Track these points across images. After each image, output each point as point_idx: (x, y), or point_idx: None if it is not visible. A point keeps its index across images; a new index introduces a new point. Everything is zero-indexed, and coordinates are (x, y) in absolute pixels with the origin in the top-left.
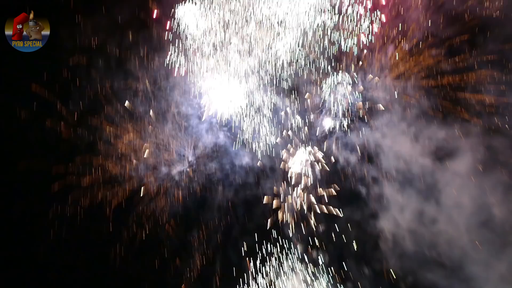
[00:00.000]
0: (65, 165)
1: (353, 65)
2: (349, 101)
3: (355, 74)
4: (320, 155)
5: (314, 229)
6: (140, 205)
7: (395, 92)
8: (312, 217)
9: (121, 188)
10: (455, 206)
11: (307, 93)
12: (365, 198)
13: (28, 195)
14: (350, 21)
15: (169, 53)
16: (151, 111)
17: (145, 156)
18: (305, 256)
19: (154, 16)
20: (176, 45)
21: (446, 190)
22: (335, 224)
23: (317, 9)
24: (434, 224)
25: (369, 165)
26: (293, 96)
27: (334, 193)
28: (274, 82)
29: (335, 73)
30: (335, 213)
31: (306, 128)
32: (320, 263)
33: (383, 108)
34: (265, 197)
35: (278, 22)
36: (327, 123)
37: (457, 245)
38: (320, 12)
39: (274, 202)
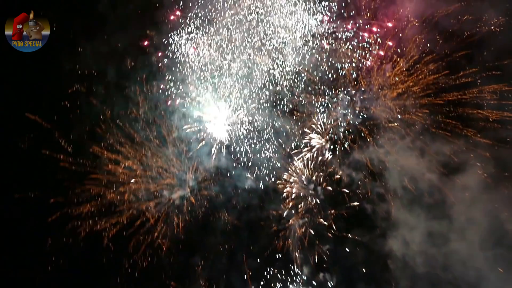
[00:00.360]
0: (64, 193)
1: (353, 86)
2: (350, 121)
3: (355, 93)
4: (323, 175)
5: (321, 251)
6: (141, 232)
7: (397, 110)
8: (318, 239)
9: (121, 216)
10: (467, 223)
11: (297, 112)
12: (372, 218)
13: (26, 224)
14: (350, 43)
15: (167, 78)
16: (150, 135)
17: (132, 181)
18: (312, 280)
19: (146, 43)
20: (175, 70)
21: (456, 207)
22: (343, 246)
23: (316, 34)
24: (446, 243)
25: (374, 183)
26: (294, 117)
27: (340, 214)
28: (274, 105)
29: (335, 93)
30: (343, 236)
31: (307, 149)
32: (329, 286)
33: (396, 124)
34: (269, 219)
35: (275, 48)
36: (329, 142)
37: (472, 265)
38: (320, 37)
39: (278, 224)
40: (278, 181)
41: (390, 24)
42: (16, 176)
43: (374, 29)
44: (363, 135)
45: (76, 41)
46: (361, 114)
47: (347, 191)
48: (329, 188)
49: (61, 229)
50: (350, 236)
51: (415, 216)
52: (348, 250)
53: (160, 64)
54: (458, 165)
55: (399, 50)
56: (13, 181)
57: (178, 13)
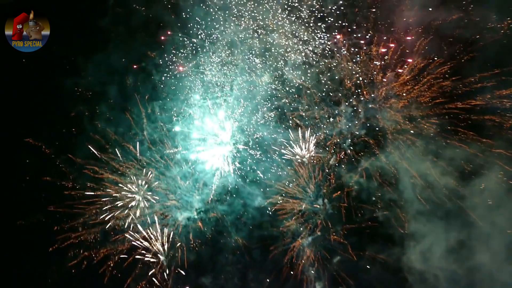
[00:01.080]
0: (66, 220)
1: (358, 97)
2: (356, 132)
3: (360, 104)
4: (331, 189)
5: (334, 268)
6: (146, 256)
7: (405, 120)
8: (329, 256)
9: (125, 242)
10: (491, 234)
11: (302, 127)
12: (386, 231)
13: (28, 252)
14: (353, 56)
15: (169, 98)
16: (155, 157)
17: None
18: None
19: (142, 65)
20: (177, 90)
21: (476, 218)
22: (357, 261)
23: (317, 49)
24: (469, 255)
25: (386, 195)
26: (299, 133)
27: (352, 228)
28: (278, 121)
29: (340, 105)
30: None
31: (316, 162)
32: None
33: (403, 135)
34: (278, 238)
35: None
36: (335, 155)
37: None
38: (322, 51)
39: (289, 243)
40: (285, 198)
41: (392, 34)
42: (18, 202)
43: (376, 40)
44: (371, 146)
45: (77, 61)
46: (367, 124)
47: (358, 204)
48: (338, 203)
49: (64, 257)
50: (364, 252)
51: (433, 227)
52: (363, 265)
53: (161, 85)
54: (474, 173)
55: (406, 62)
56: (15, 207)
57: (169, 32)
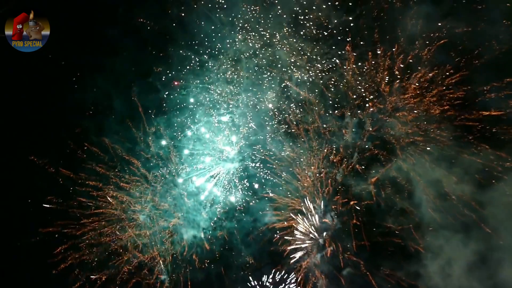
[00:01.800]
0: (69, 240)
1: (366, 109)
2: (365, 145)
3: (368, 116)
4: (340, 204)
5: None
6: (152, 276)
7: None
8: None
9: (130, 262)
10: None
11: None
12: (401, 247)
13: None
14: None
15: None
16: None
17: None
18: None
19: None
20: (182, 106)
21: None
22: (370, 279)
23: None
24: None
25: (397, 205)
26: (307, 146)
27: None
28: (284, 136)
29: (349, 117)
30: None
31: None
32: None
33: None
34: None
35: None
36: (342, 169)
37: None
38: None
39: (298, 261)
40: (294, 214)
41: (399, 45)
42: (19, 222)
43: (382, 51)
44: (381, 158)
45: (82, 76)
46: (377, 137)
47: (368, 219)
48: (347, 218)
49: (66, 279)
50: (378, 269)
51: (451, 242)
52: (376, 282)
53: (166, 101)
54: (490, 186)
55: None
56: (16, 227)
57: (172, 49)
